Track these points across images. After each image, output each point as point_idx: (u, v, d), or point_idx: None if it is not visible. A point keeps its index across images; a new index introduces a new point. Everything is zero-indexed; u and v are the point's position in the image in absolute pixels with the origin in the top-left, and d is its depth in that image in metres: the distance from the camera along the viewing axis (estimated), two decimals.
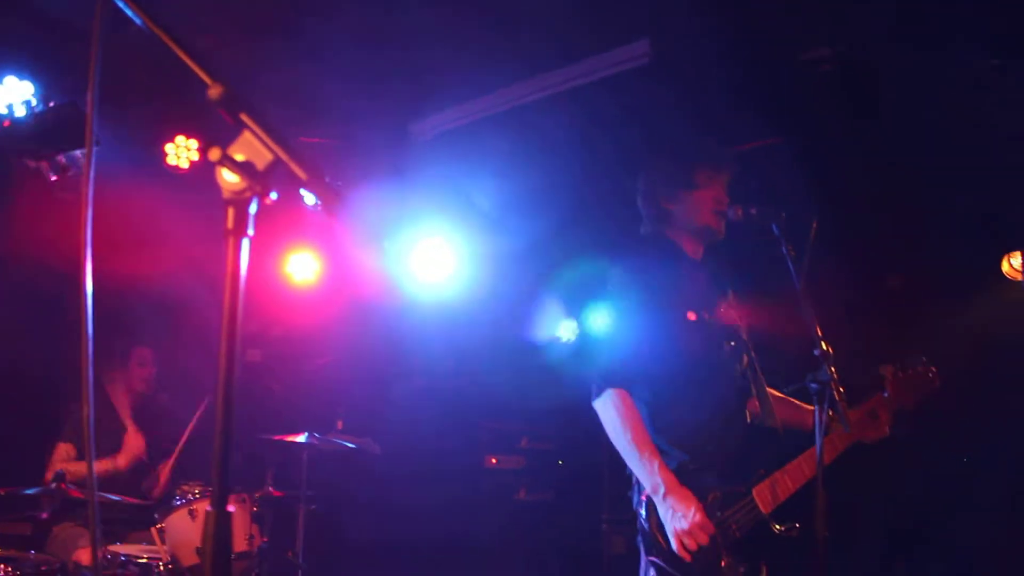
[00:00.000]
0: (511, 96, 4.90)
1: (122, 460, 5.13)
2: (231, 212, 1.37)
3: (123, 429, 5.23)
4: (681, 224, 3.35)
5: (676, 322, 3.22)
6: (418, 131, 5.38)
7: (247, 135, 1.39)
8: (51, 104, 4.62)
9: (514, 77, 4.96)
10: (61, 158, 4.78)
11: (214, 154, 1.34)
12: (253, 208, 1.38)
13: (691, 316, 3.23)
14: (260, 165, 1.37)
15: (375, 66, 4.76)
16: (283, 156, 1.37)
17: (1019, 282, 5.47)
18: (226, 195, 1.38)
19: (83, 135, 1.56)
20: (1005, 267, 5.57)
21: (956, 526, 5.40)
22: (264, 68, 4.70)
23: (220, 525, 1.28)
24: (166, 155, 5.44)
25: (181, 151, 5.43)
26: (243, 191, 1.37)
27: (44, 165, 4.78)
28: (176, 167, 5.43)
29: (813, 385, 2.95)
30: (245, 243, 1.38)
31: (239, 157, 1.37)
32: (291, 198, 5.98)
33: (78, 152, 4.79)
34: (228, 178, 1.38)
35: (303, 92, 4.94)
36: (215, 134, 4.08)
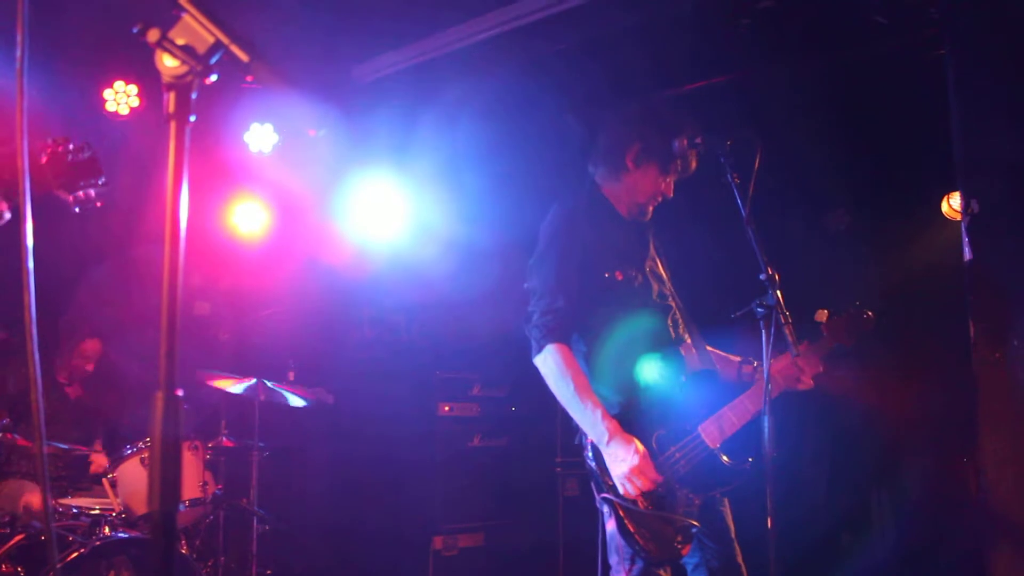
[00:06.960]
0: (456, 36, 4.83)
1: None
2: (172, 97, 1.35)
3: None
4: (628, 186, 3.37)
5: (607, 280, 3.24)
6: (361, 74, 5.29)
7: (187, 19, 1.37)
8: None
9: (461, 17, 4.89)
10: None
11: (153, 35, 1.32)
12: (194, 93, 1.36)
13: (619, 276, 3.27)
14: (201, 48, 1.35)
15: (317, 5, 4.67)
16: (224, 39, 1.34)
17: (958, 222, 5.57)
18: (167, 79, 1.36)
19: None
20: (945, 207, 5.67)
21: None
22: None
23: (169, 409, 1.27)
24: (105, 101, 5.30)
25: (121, 97, 5.29)
26: (184, 75, 1.35)
27: None
28: (115, 114, 5.30)
29: (760, 309, 2.99)
30: (187, 130, 1.36)
31: (180, 41, 1.35)
32: (234, 147, 5.88)
33: None
34: (168, 63, 1.36)
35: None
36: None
